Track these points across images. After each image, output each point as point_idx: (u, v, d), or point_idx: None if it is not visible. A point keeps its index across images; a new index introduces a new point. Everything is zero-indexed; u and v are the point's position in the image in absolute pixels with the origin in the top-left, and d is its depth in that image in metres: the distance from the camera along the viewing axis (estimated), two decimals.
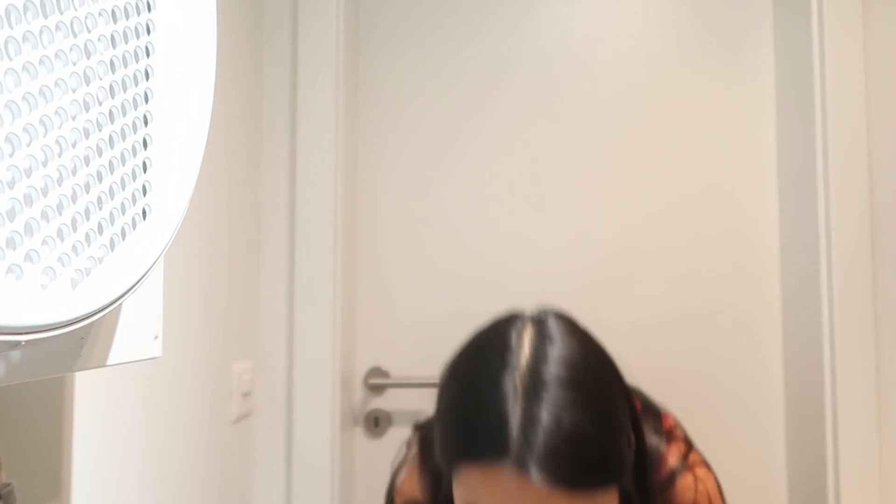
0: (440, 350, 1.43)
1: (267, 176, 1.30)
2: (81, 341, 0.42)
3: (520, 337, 0.66)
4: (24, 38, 0.30)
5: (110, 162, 0.37)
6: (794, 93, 1.35)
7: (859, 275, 1.24)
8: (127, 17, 0.38)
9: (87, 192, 0.35)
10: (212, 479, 1.04)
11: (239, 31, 1.17)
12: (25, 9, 0.30)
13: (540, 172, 1.43)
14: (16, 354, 0.36)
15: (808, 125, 1.29)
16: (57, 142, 0.32)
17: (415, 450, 0.91)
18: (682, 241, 1.41)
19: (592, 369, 0.64)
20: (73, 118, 0.34)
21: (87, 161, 0.35)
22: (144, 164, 0.40)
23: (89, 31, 0.34)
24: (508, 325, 0.70)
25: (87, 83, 0.34)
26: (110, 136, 0.37)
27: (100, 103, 0.36)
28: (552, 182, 1.43)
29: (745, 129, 1.42)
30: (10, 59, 0.29)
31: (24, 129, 0.30)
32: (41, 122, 0.31)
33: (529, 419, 0.58)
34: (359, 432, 1.42)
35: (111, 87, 0.37)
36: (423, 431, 0.90)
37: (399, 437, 1.41)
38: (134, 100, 0.39)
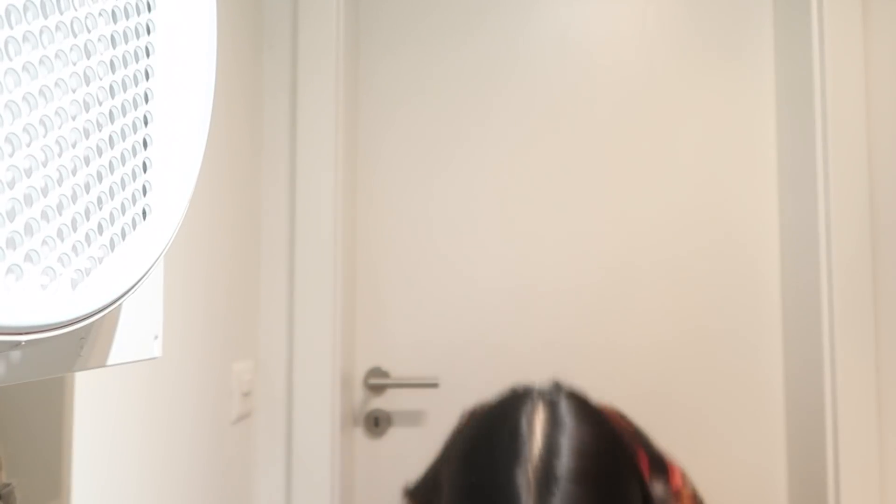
0: (440, 350, 1.44)
1: (267, 176, 1.30)
2: (81, 341, 0.42)
3: (531, 424, 0.66)
4: (24, 39, 0.30)
5: (110, 162, 0.37)
6: (794, 93, 1.35)
7: (859, 276, 1.24)
8: (127, 18, 0.38)
9: (87, 193, 0.35)
10: (212, 479, 1.04)
11: (239, 31, 1.17)
12: (25, 9, 0.30)
13: (541, 171, 1.43)
14: (16, 354, 0.36)
15: (808, 125, 1.29)
16: (57, 142, 0.32)
17: None
18: (681, 241, 1.41)
19: (604, 459, 0.65)
20: (74, 118, 0.34)
21: (87, 161, 0.35)
22: (144, 164, 0.40)
23: (89, 32, 0.34)
24: (519, 408, 0.69)
25: (88, 83, 0.34)
26: (110, 137, 0.37)
27: (100, 103, 0.36)
28: (553, 181, 1.43)
29: (745, 130, 1.42)
30: (10, 59, 0.29)
31: (25, 130, 0.30)
32: (41, 122, 0.31)
33: None
34: (359, 432, 1.42)
35: (111, 88, 0.37)
36: (418, 499, 0.89)
37: (399, 437, 1.41)
38: (134, 100, 0.39)
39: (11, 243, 0.30)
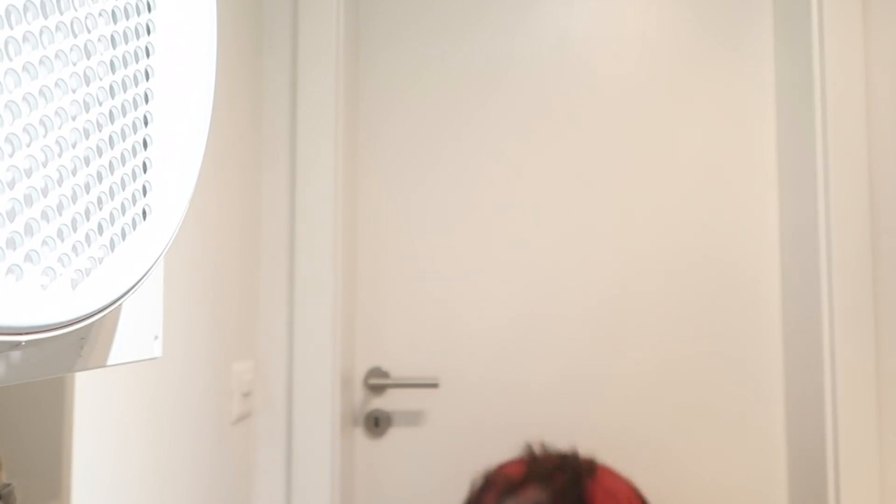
0: (440, 350, 1.44)
1: (267, 176, 1.30)
2: (82, 341, 0.42)
3: None
4: (25, 39, 0.30)
5: (110, 162, 0.37)
6: (794, 93, 1.35)
7: (859, 276, 1.24)
8: (127, 18, 0.38)
9: (88, 193, 0.35)
10: (212, 479, 1.04)
11: (239, 31, 1.17)
12: (25, 9, 0.30)
13: (541, 170, 1.43)
14: (16, 355, 0.36)
15: (809, 126, 1.29)
16: (57, 142, 0.32)
17: None
18: (680, 240, 1.41)
19: None
20: (74, 118, 0.34)
21: (87, 161, 0.35)
22: (144, 164, 0.40)
23: (89, 32, 0.34)
24: (541, 490, 0.68)
25: (88, 83, 0.34)
26: (110, 137, 0.37)
27: (100, 104, 0.36)
28: (553, 180, 1.43)
29: (745, 130, 1.42)
30: (10, 60, 0.29)
31: (25, 130, 0.30)
32: (41, 122, 0.31)
33: None
34: (359, 432, 1.42)
35: (111, 88, 0.37)
36: None
37: (399, 437, 1.41)
38: (134, 100, 0.39)
39: (11, 243, 0.30)
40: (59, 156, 0.33)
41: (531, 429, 1.40)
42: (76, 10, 0.33)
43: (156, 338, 0.50)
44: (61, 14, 0.32)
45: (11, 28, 0.29)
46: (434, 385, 1.35)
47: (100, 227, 0.36)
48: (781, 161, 1.40)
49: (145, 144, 0.40)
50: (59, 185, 0.33)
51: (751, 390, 1.39)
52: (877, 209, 1.27)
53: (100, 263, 0.36)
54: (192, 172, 0.43)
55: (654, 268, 1.41)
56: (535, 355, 1.41)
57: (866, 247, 1.25)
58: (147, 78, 0.40)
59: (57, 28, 0.32)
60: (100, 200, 0.36)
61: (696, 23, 1.44)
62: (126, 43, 0.38)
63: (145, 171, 0.40)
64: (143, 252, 0.39)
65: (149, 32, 0.40)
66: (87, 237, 0.35)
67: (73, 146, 0.34)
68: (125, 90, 0.38)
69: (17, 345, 0.31)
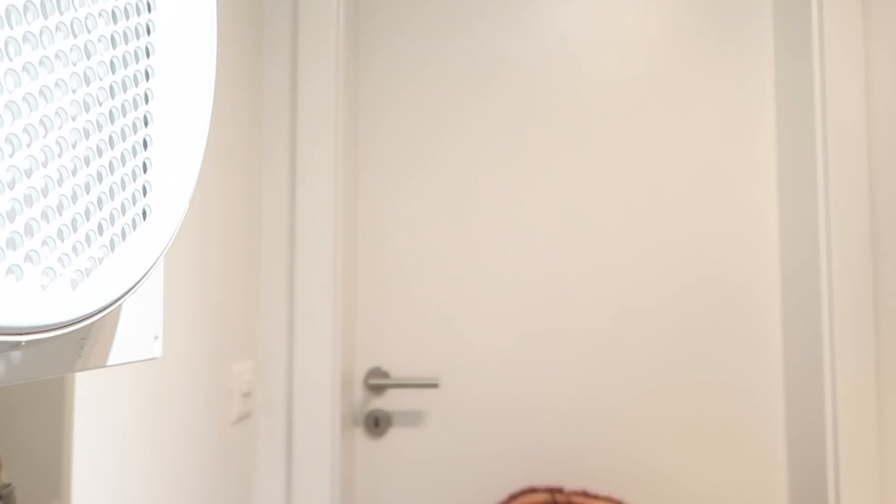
0: (440, 350, 1.44)
1: (267, 176, 1.30)
2: (82, 342, 0.42)
3: None
4: (25, 39, 0.30)
5: (110, 162, 0.37)
6: (794, 93, 1.35)
7: (859, 275, 1.24)
8: (127, 18, 0.38)
9: (88, 193, 0.35)
10: (212, 480, 1.04)
11: (239, 31, 1.17)
12: (25, 9, 0.30)
13: (541, 169, 1.43)
14: (16, 355, 0.36)
15: (808, 125, 1.29)
16: (57, 142, 0.32)
17: None
18: (680, 240, 1.41)
19: None
20: (74, 119, 0.34)
21: (87, 161, 0.35)
22: (144, 164, 0.40)
23: (89, 32, 0.34)
24: None
25: (88, 84, 0.34)
26: (110, 137, 0.37)
27: (100, 104, 0.36)
28: (554, 179, 1.43)
29: (745, 130, 1.42)
30: (11, 60, 0.29)
31: (25, 130, 0.30)
32: (41, 122, 0.31)
33: None
34: (359, 432, 1.42)
35: (111, 88, 0.37)
36: None
37: (399, 438, 1.41)
38: (134, 100, 0.39)
39: (11, 244, 0.30)
40: (60, 156, 0.33)
41: (531, 428, 1.40)
42: (76, 10, 0.33)
43: (156, 338, 0.50)
44: (61, 14, 0.32)
45: (11, 28, 0.29)
46: (434, 385, 1.35)
47: (100, 228, 0.36)
48: (781, 161, 1.40)
49: (145, 145, 0.40)
50: (60, 186, 0.33)
51: (751, 391, 1.39)
52: (877, 209, 1.27)
53: (100, 263, 0.36)
54: (192, 172, 0.43)
55: (654, 268, 1.41)
56: (536, 355, 1.41)
57: (866, 247, 1.25)
58: (147, 78, 0.40)
59: (57, 28, 0.32)
60: (100, 201, 0.36)
61: (696, 23, 1.44)
62: (126, 43, 0.38)
63: (145, 171, 0.40)
64: (143, 252, 0.39)
65: (149, 32, 0.40)
66: (87, 237, 0.35)
67: (73, 146, 0.34)
68: (125, 90, 0.38)
69: (17, 345, 0.31)
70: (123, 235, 0.38)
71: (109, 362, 0.45)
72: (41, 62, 0.31)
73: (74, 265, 0.34)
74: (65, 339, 0.40)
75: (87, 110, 0.35)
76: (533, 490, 1.34)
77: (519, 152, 1.44)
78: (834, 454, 1.23)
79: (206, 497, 1.02)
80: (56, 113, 0.32)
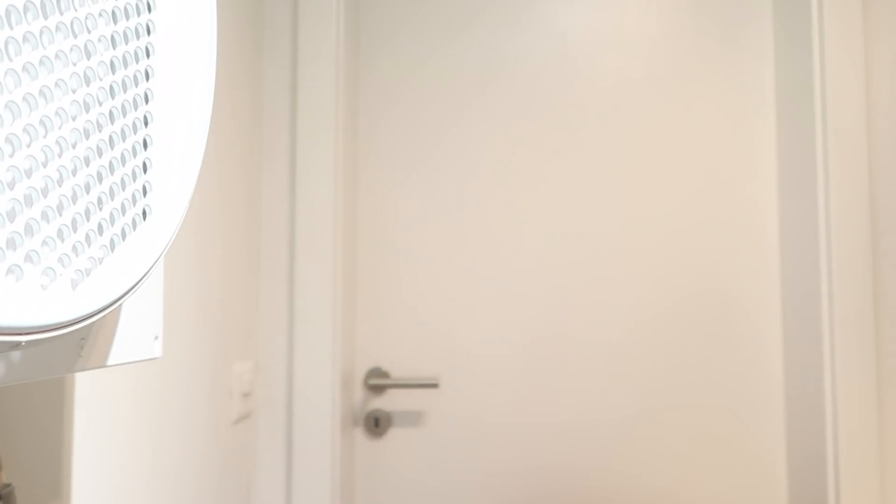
0: (440, 350, 1.44)
1: (267, 176, 1.30)
2: (82, 342, 0.42)
3: None
4: (25, 39, 0.30)
5: (110, 162, 0.37)
6: (794, 93, 1.35)
7: (859, 276, 1.24)
8: (127, 18, 0.38)
9: (88, 193, 0.35)
10: (212, 480, 1.04)
11: (239, 31, 1.17)
12: (25, 9, 0.30)
13: (541, 169, 1.43)
14: (16, 355, 0.36)
15: (808, 125, 1.29)
16: (57, 142, 0.32)
17: None
18: (680, 238, 1.41)
19: None
20: (74, 119, 0.34)
21: (87, 162, 0.35)
22: (144, 164, 0.40)
23: (89, 32, 0.34)
24: None
25: (88, 84, 0.34)
26: (110, 137, 0.37)
27: (100, 104, 0.36)
28: (553, 179, 1.43)
29: (745, 130, 1.42)
30: (11, 60, 0.29)
31: (25, 130, 0.30)
32: (41, 122, 0.31)
33: None
34: (359, 432, 1.42)
35: (111, 88, 0.37)
36: None
37: (399, 438, 1.41)
38: (134, 100, 0.39)
39: (11, 244, 0.30)
40: (60, 156, 0.33)
41: (531, 428, 1.40)
42: (76, 10, 0.33)
43: (156, 338, 0.50)
44: (61, 14, 0.32)
45: (11, 28, 0.29)
46: (434, 385, 1.35)
47: (100, 228, 0.36)
48: (781, 161, 1.40)
49: (145, 145, 0.40)
50: (60, 186, 0.33)
51: (750, 392, 1.39)
52: (877, 209, 1.27)
53: (100, 264, 0.36)
54: (192, 173, 0.43)
55: (653, 268, 1.41)
56: (536, 355, 1.41)
57: (866, 247, 1.25)
58: (147, 78, 0.40)
59: (57, 28, 0.32)
60: (100, 201, 0.36)
61: (696, 23, 1.44)
62: (126, 43, 0.38)
63: (145, 171, 0.40)
64: (143, 252, 0.39)
65: (149, 33, 0.40)
66: (87, 237, 0.35)
67: (74, 146, 0.34)
68: (125, 90, 0.38)
69: (17, 345, 0.31)
70: (123, 235, 0.38)
71: (109, 362, 0.45)
72: (41, 62, 0.31)
73: (74, 265, 0.34)
74: (65, 340, 0.40)
75: (87, 110, 0.35)
76: None
77: (519, 152, 1.44)
78: (834, 457, 1.23)
79: (206, 497, 1.02)
80: (56, 113, 0.32)
